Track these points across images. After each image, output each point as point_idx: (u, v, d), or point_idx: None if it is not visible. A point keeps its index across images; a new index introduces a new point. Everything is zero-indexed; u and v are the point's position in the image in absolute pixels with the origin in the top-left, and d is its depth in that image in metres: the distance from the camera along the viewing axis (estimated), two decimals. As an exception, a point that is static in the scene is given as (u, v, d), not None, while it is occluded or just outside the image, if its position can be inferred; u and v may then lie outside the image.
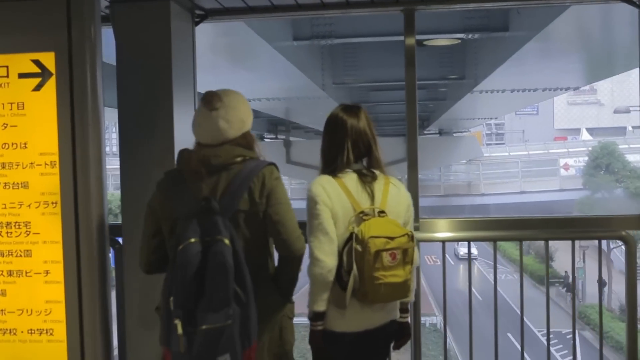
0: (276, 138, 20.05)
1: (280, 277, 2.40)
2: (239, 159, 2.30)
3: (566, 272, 24.48)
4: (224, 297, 2.08)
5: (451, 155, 26.31)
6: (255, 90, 9.93)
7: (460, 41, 7.18)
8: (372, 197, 2.48)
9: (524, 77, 9.54)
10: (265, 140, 19.72)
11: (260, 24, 5.85)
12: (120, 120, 3.09)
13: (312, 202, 2.42)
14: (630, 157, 31.47)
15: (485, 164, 34.97)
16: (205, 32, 6.74)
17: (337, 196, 2.43)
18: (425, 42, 7.11)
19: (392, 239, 2.38)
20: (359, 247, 2.35)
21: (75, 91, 2.65)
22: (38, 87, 2.67)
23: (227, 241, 2.13)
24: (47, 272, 2.68)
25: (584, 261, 24.70)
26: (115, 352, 2.93)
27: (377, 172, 2.52)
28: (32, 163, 2.68)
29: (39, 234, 2.68)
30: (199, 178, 2.27)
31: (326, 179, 2.48)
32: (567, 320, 20.58)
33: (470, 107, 15.37)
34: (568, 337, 20.81)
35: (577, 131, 49.07)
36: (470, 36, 6.80)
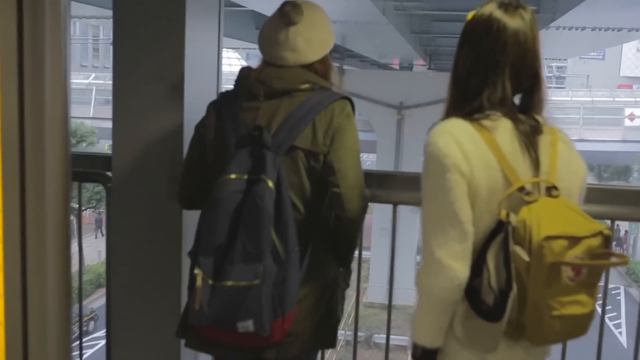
0: (330, 65, 19.47)
1: (336, 238, 1.98)
2: (307, 85, 1.87)
3: (617, 225, 23.65)
4: (256, 249, 1.71)
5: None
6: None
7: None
8: (535, 162, 1.53)
9: (611, 13, 8.76)
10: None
11: None
12: (116, 22, 2.24)
13: (436, 165, 1.49)
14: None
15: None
16: None
17: (480, 158, 1.48)
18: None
19: (577, 240, 1.42)
20: (523, 254, 1.42)
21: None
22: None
23: (270, 183, 1.74)
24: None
25: None
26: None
27: (540, 119, 1.58)
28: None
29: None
30: (256, 102, 1.87)
31: (461, 127, 1.50)
32: (614, 277, 20.09)
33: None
34: (614, 292, 20.31)
35: (643, 80, 46.75)
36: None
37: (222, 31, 2.42)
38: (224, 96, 1.97)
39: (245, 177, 1.78)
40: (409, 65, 22.81)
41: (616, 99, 33.99)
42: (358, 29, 11.25)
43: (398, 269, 15.26)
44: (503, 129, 1.52)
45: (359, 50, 16.46)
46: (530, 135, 1.53)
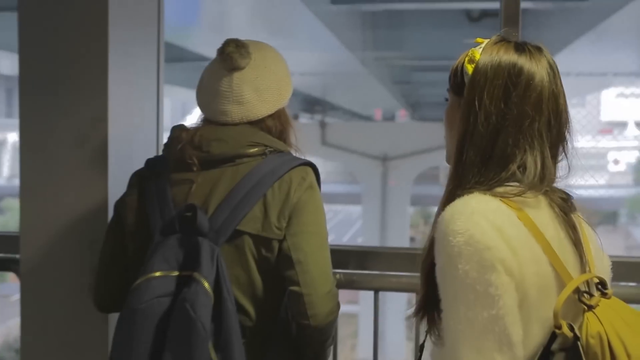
0: (312, 118, 19.35)
1: (299, 352, 1.51)
2: (256, 149, 1.46)
3: None
4: None
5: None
6: (291, 62, 9.18)
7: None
8: (579, 249, 1.14)
9: (592, 59, 8.60)
10: (301, 120, 19.05)
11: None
12: (22, 74, 1.83)
13: (473, 264, 1.05)
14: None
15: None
16: None
17: (526, 249, 1.08)
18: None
19: None
20: None
21: None
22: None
23: (206, 283, 1.31)
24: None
25: None
26: None
27: (564, 190, 1.21)
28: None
29: None
30: (189, 173, 1.46)
31: (494, 206, 1.10)
32: None
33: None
34: None
35: (623, 124, 47.34)
36: (540, 5, 5.88)
37: (162, 79, 1.99)
38: (150, 165, 1.54)
39: (175, 274, 1.34)
40: (391, 117, 22.77)
41: (599, 145, 34.19)
42: (338, 80, 11.05)
43: (387, 322, 14.67)
44: (539, 206, 1.14)
45: (340, 102, 16.32)
46: (567, 214, 1.16)
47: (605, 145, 34.04)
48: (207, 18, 7.01)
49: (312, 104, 18.02)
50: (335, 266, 1.62)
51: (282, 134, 1.54)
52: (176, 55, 7.11)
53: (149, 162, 1.55)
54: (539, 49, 1.18)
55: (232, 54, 1.48)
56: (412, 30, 8.43)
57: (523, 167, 1.12)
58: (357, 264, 1.88)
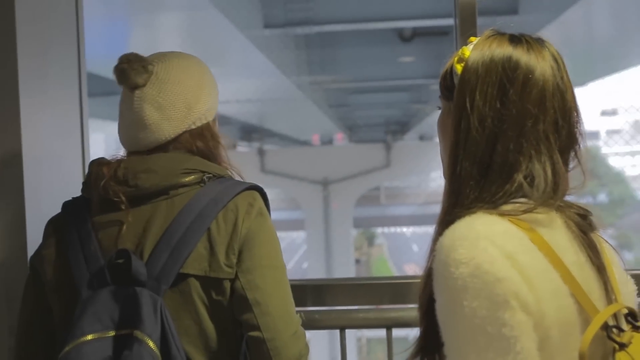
0: (249, 146, 19.16)
1: None
2: (192, 176, 1.26)
3: None
4: None
5: (431, 162, 25.68)
6: (226, 90, 9.01)
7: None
8: (603, 275, 0.97)
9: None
10: (239, 149, 18.81)
11: (227, 5, 4.92)
12: None
13: (482, 299, 0.87)
14: (613, 162, 31.17)
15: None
16: (167, 18, 5.91)
17: (544, 279, 0.91)
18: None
19: None
20: None
21: None
22: None
23: (150, 342, 1.10)
24: None
25: None
26: None
27: (582, 205, 1.03)
28: None
29: None
30: (116, 213, 1.24)
31: (502, 228, 0.92)
32: None
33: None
34: None
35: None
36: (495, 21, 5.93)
37: (86, 113, 1.78)
38: (68, 209, 1.31)
39: (111, 334, 1.13)
40: (329, 140, 22.85)
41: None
42: (275, 106, 10.92)
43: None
44: (554, 226, 0.95)
45: (278, 129, 16.22)
46: (587, 233, 0.98)
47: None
48: (137, 48, 6.78)
49: (249, 131, 17.83)
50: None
51: (211, 154, 1.33)
52: (108, 89, 6.82)
53: (66, 205, 1.32)
54: (539, 41, 1.02)
55: (125, 71, 1.27)
56: (345, 51, 8.42)
57: (531, 178, 0.95)
58: (315, 300, 1.70)
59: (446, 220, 0.95)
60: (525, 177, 0.95)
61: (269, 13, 5.94)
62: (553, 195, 0.95)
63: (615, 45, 7.22)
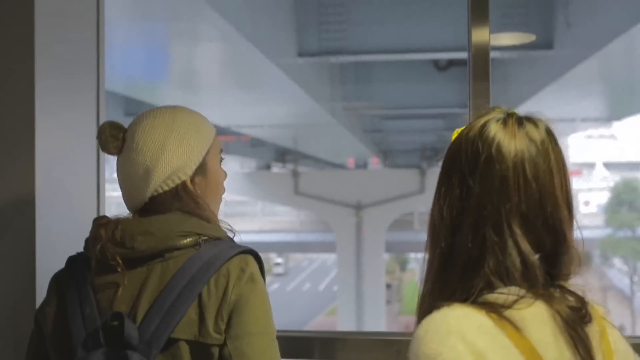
0: (284, 167, 19.22)
1: None
2: (189, 239, 1.26)
3: None
4: None
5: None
6: (260, 116, 9.07)
7: (535, 38, 5.95)
8: None
9: (565, 106, 8.65)
10: (273, 170, 18.90)
11: (260, 36, 4.97)
12: None
13: None
14: (653, 194, 30.42)
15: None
16: (203, 49, 6.01)
17: None
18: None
19: None
20: None
21: None
22: None
23: None
24: None
25: None
26: None
27: (580, 294, 0.96)
28: None
29: None
30: (113, 274, 1.26)
31: (475, 323, 0.89)
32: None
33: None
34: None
35: (591, 165, 48.23)
36: (507, 55, 5.87)
37: (103, 157, 1.80)
38: (71, 267, 1.32)
39: None
40: (363, 164, 22.80)
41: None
42: (309, 131, 10.95)
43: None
44: (538, 319, 0.90)
45: (312, 152, 16.25)
46: (578, 326, 0.92)
47: (575, 187, 34.58)
48: (175, 74, 6.88)
49: (283, 153, 17.92)
50: (296, 356, 1.41)
51: (196, 209, 1.30)
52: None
53: (70, 262, 1.34)
54: (522, 121, 0.97)
55: (100, 141, 1.32)
56: (380, 81, 8.41)
57: (496, 270, 0.90)
58: (323, 353, 1.66)
59: (423, 309, 0.94)
60: (491, 270, 0.91)
61: (303, 42, 5.99)
62: (523, 283, 0.90)
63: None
